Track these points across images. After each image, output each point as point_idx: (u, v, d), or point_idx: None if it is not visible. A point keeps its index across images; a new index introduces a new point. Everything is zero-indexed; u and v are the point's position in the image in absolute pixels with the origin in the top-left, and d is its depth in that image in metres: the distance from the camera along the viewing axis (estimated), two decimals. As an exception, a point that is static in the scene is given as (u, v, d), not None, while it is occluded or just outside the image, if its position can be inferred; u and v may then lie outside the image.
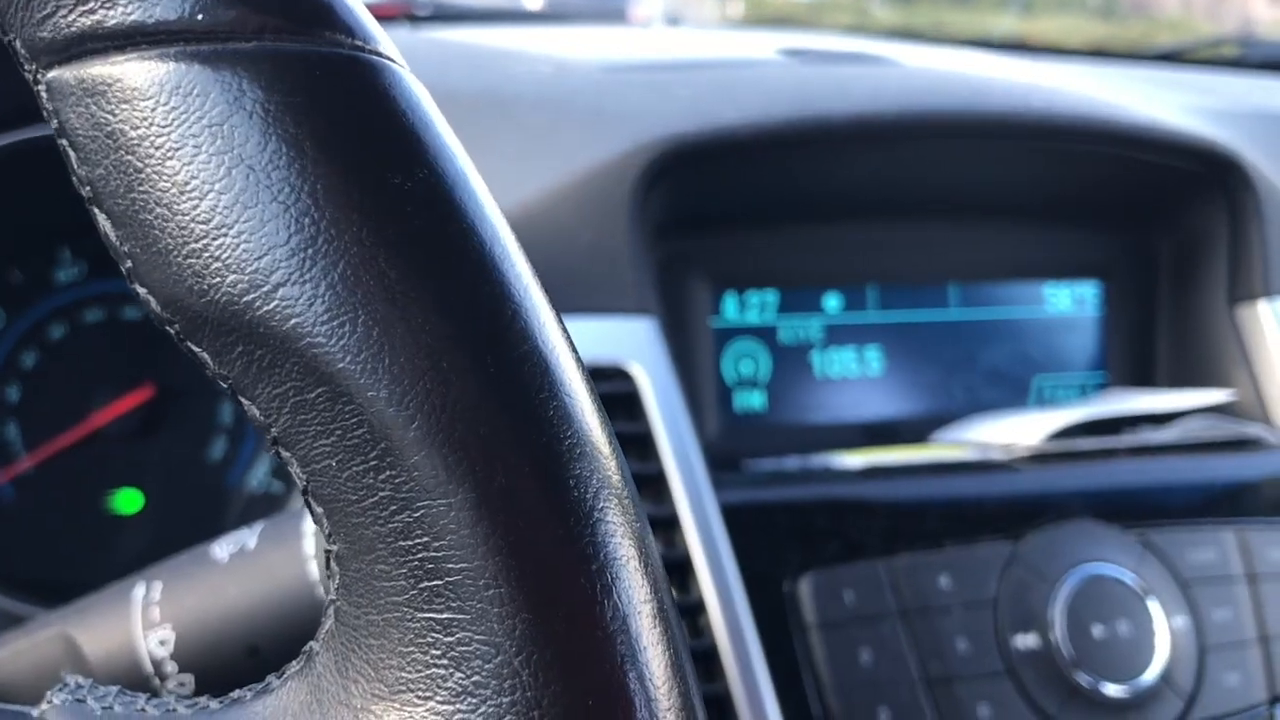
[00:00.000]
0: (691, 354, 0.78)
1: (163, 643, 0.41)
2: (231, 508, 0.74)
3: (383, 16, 1.30)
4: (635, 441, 0.67)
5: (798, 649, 0.61)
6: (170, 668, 0.41)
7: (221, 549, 0.42)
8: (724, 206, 0.77)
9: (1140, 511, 0.69)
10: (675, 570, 0.63)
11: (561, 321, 0.26)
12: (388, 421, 0.22)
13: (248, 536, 0.42)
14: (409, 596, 0.23)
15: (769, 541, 0.64)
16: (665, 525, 0.64)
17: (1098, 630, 0.64)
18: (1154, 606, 0.65)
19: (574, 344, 0.27)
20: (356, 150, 0.23)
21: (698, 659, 0.61)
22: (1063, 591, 0.64)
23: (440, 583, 0.23)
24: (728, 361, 0.79)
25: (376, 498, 0.23)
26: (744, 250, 0.79)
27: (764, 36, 1.08)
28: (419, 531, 0.23)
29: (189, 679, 0.41)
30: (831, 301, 0.81)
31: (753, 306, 0.80)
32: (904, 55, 0.92)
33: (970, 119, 0.73)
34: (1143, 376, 0.86)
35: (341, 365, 0.22)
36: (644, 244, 0.71)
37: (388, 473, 0.23)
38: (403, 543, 0.23)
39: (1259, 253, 0.81)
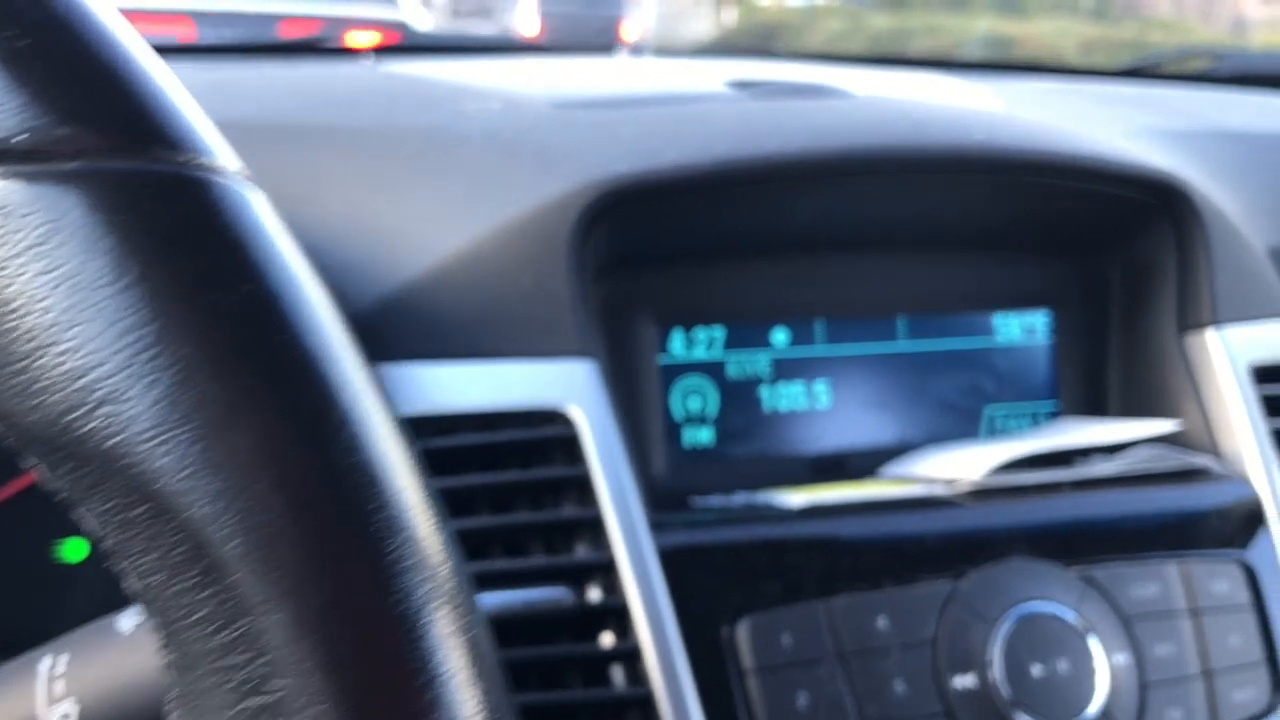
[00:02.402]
0: (639, 392, 0.78)
1: (65, 717, 0.41)
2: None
3: (353, 50, 1.30)
4: (574, 485, 0.67)
5: (735, 695, 0.61)
6: None
7: (127, 620, 0.42)
8: (668, 245, 0.77)
9: (1082, 547, 0.69)
10: (613, 616, 0.64)
11: (396, 424, 0.26)
12: (209, 539, 0.23)
13: None
14: (233, 714, 0.23)
15: (707, 585, 0.64)
16: (603, 571, 0.64)
17: (1037, 669, 0.64)
18: (1094, 644, 0.65)
19: (409, 446, 0.27)
20: (179, 268, 0.24)
21: (634, 708, 0.61)
22: (1002, 631, 0.64)
23: (264, 700, 0.23)
24: (675, 398, 0.79)
25: (200, 614, 0.23)
26: (690, 287, 0.79)
27: (717, 66, 1.08)
28: (242, 648, 0.23)
29: None
30: (779, 336, 0.81)
31: (700, 343, 0.80)
32: (857, 84, 0.93)
33: (911, 155, 0.73)
34: (1095, 405, 0.86)
35: (162, 484, 0.22)
36: (587, 285, 0.71)
37: (210, 590, 0.23)
38: (226, 660, 0.23)
39: (1206, 281, 0.81)
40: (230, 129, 0.85)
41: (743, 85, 0.89)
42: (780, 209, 0.77)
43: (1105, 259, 0.86)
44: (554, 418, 0.68)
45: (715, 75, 0.94)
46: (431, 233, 0.72)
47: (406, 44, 1.42)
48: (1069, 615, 0.66)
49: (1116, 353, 0.86)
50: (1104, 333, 0.87)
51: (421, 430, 0.68)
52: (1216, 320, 0.80)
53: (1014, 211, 0.82)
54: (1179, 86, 1.48)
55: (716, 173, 0.71)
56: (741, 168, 0.71)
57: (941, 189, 0.79)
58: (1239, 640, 0.70)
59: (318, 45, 1.37)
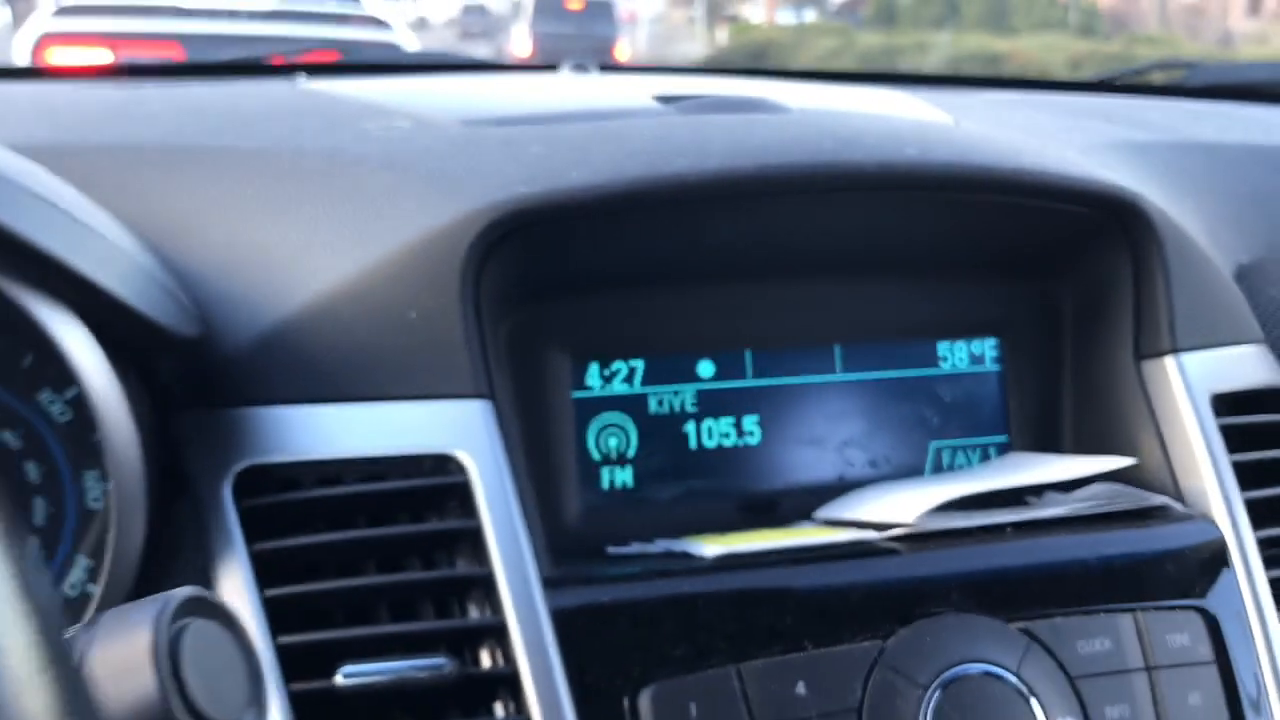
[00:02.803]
0: (550, 432, 0.72)
1: None
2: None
3: (288, 68, 1.25)
4: (469, 538, 0.61)
5: (635, 772, 0.55)
6: None
7: None
8: (579, 272, 0.71)
9: (1025, 599, 0.63)
10: (505, 685, 0.58)
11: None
12: None
13: None
14: None
15: (606, 649, 0.58)
16: (496, 634, 0.59)
17: (973, 739, 0.58)
18: (1036, 708, 0.59)
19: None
20: None
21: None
22: (934, 697, 0.58)
23: None
24: (591, 437, 0.73)
25: None
26: (605, 318, 0.73)
27: (649, 81, 1.02)
28: None
29: None
30: (704, 368, 0.75)
31: (618, 376, 0.74)
32: (797, 99, 0.87)
33: (834, 172, 0.68)
34: (1048, 438, 0.80)
35: None
36: (488, 316, 0.65)
37: None
38: None
39: (1164, 305, 0.75)
40: (122, 152, 0.80)
41: (670, 100, 0.84)
42: (700, 232, 0.71)
43: (1056, 282, 0.80)
44: (446, 463, 0.62)
45: (648, 90, 0.88)
46: (317, 262, 0.66)
47: (346, 63, 1.36)
48: (1009, 676, 0.60)
49: (1069, 382, 0.80)
50: (1056, 361, 0.81)
51: (302, 479, 0.62)
52: (1175, 346, 0.75)
53: (957, 232, 0.77)
54: (1152, 98, 1.44)
55: (625, 194, 0.65)
56: (652, 188, 0.66)
57: (876, 209, 0.73)
58: (1200, 699, 0.64)
59: (252, 65, 1.32)
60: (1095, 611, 0.64)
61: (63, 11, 4.67)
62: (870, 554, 0.64)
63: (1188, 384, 0.74)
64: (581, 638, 0.58)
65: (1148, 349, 0.76)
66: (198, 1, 4.55)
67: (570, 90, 0.96)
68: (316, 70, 1.24)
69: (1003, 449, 0.80)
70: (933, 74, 1.35)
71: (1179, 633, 0.64)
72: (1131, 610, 0.64)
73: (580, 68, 1.20)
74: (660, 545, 0.70)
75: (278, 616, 0.58)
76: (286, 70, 1.22)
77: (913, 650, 0.60)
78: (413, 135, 0.77)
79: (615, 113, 0.80)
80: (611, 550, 0.71)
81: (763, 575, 0.62)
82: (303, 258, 0.67)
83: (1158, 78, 1.54)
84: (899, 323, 0.79)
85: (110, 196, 0.71)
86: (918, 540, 0.65)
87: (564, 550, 0.68)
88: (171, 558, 0.62)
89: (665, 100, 0.84)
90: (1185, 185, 0.93)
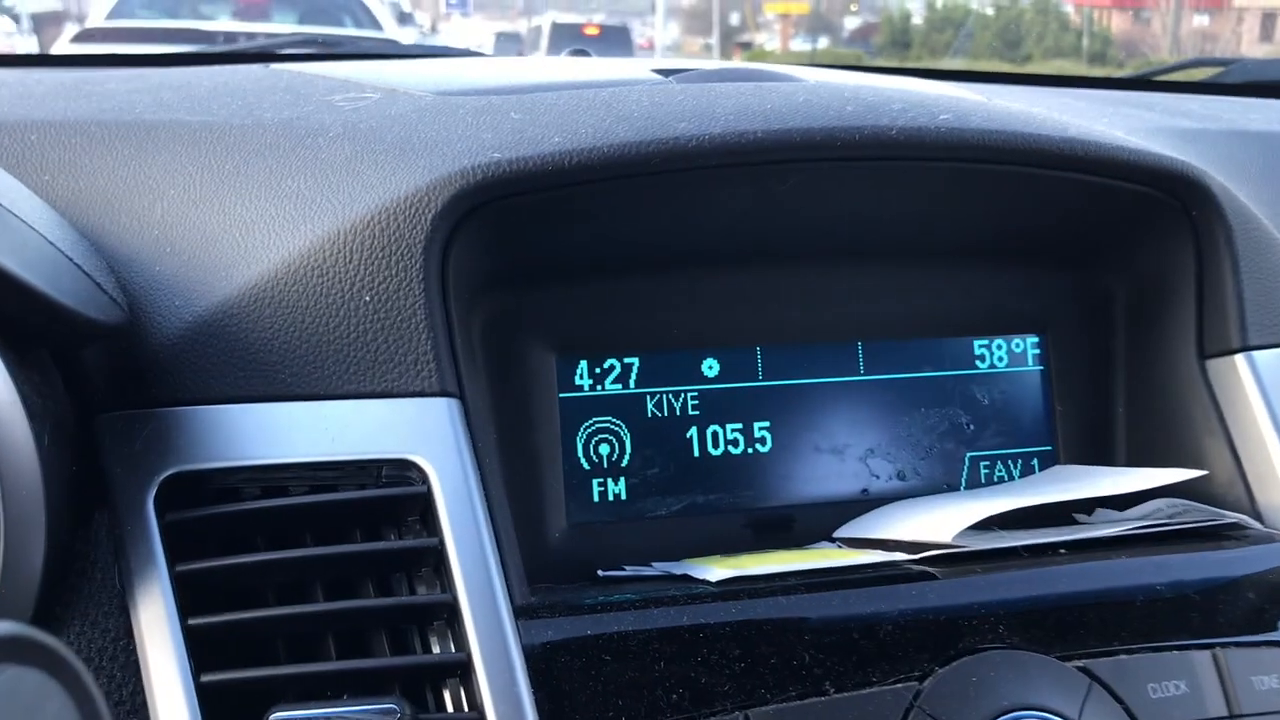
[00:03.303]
0: (533, 436, 0.63)
1: None
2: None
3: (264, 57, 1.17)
4: (428, 558, 0.52)
5: (621, 841, 0.46)
6: None
7: None
8: (564, 253, 0.63)
9: (1083, 633, 0.54)
10: (467, 733, 0.48)
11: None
12: None
13: None
14: None
15: (590, 693, 0.49)
16: (457, 673, 0.49)
17: (1027, 801, 0.48)
18: (1102, 764, 0.50)
19: None
20: None
21: None
22: (980, 749, 0.49)
23: None
24: (580, 443, 0.64)
25: None
26: (595, 307, 0.64)
27: (651, 60, 0.94)
28: None
29: None
30: (708, 366, 0.66)
31: (610, 375, 0.65)
32: (812, 75, 0.78)
33: (860, 138, 0.59)
34: (1098, 448, 0.71)
35: None
36: (457, 302, 0.56)
37: None
38: None
39: (1233, 296, 0.66)
40: (60, 128, 0.72)
41: (670, 71, 0.75)
42: (703, 209, 0.62)
43: (1106, 271, 0.71)
44: (405, 471, 0.53)
45: (646, 65, 0.80)
46: (260, 240, 0.57)
47: (333, 52, 1.28)
48: (1068, 725, 0.50)
49: (1122, 385, 0.71)
50: (1107, 360, 0.71)
51: (237, 488, 0.53)
52: (1246, 343, 0.65)
53: (995, 214, 0.67)
54: (1189, 95, 1.36)
55: (616, 161, 0.57)
56: (647, 155, 0.57)
57: (904, 185, 0.64)
58: (1292, 750, 0.54)
59: (233, 55, 1.24)
60: (1166, 648, 0.54)
61: (82, 37, 4.67)
62: (902, 579, 0.54)
63: (1261, 385, 0.65)
64: (560, 678, 0.49)
65: (1214, 346, 0.66)
66: (217, 26, 4.55)
67: (560, 66, 0.88)
68: (302, 58, 1.16)
69: (1047, 459, 0.71)
70: (951, 69, 1.27)
71: (1267, 674, 0.55)
72: (1209, 646, 0.55)
73: (580, 52, 1.11)
74: (657, 568, 0.61)
75: (202, 650, 0.49)
76: (269, 59, 1.14)
77: (954, 694, 0.50)
78: (381, 105, 0.68)
79: (607, 83, 0.72)
80: (601, 573, 0.62)
81: (776, 604, 0.52)
82: (245, 236, 0.58)
83: (1194, 75, 1.46)
84: (930, 317, 0.70)
85: (40, 173, 0.63)
86: (956, 563, 0.56)
87: (546, 573, 0.59)
88: (84, 579, 0.53)
89: (665, 72, 0.75)
90: (1239, 173, 0.84)
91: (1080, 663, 0.53)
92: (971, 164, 0.62)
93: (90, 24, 4.78)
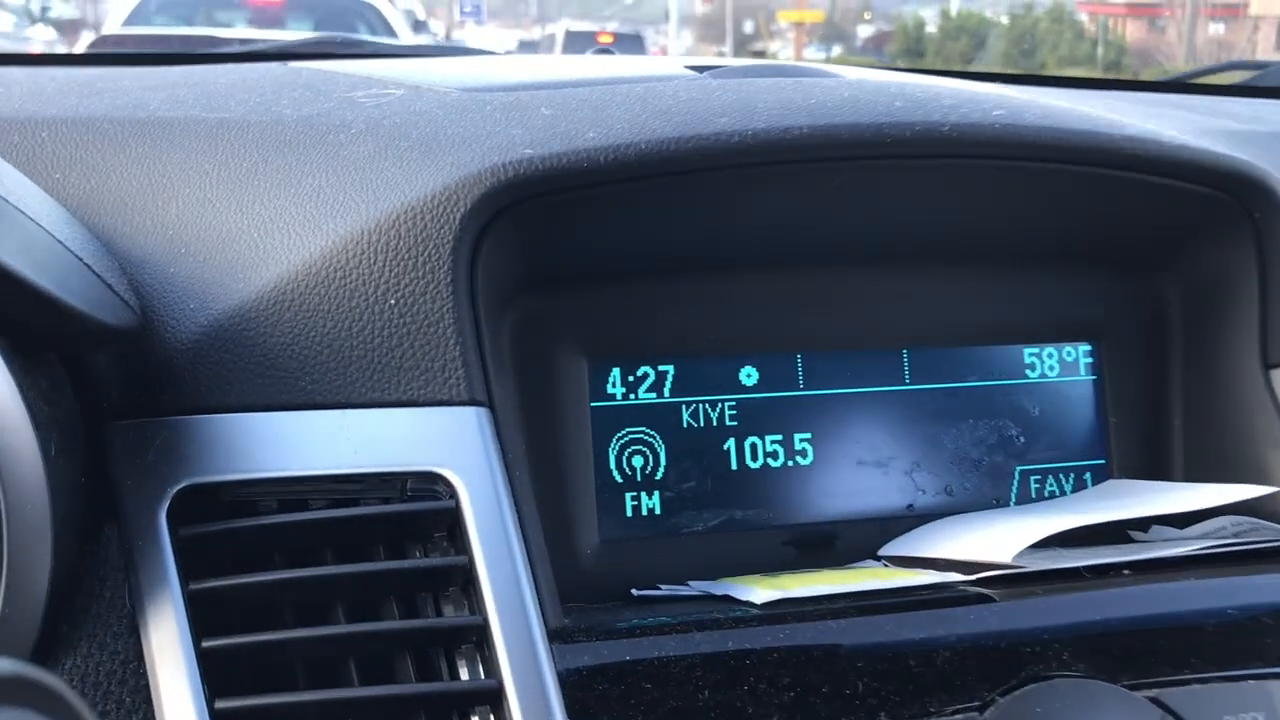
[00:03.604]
0: (563, 447, 0.60)
1: None
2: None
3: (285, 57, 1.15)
4: (456, 577, 0.49)
5: None
6: None
7: None
8: (597, 255, 0.60)
9: (1153, 660, 0.51)
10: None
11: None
12: None
13: None
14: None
15: (628, 721, 0.46)
16: (487, 700, 0.46)
17: (1098, 842, 0.45)
18: (1177, 802, 0.47)
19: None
20: None
21: None
22: (1047, 785, 0.46)
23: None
24: (613, 454, 0.61)
25: None
26: (629, 312, 0.61)
27: (685, 59, 0.91)
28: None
29: None
30: (746, 374, 0.63)
31: (644, 383, 0.62)
32: (849, 73, 0.75)
33: (906, 134, 0.56)
34: (1152, 463, 0.68)
35: None
36: (486, 306, 0.53)
37: None
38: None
39: None
40: (72, 126, 0.69)
41: (703, 68, 0.72)
42: (743, 209, 0.59)
43: (1163, 276, 0.68)
44: (432, 484, 0.50)
45: (677, 63, 0.77)
46: (280, 241, 0.55)
47: (355, 51, 1.26)
48: (1140, 760, 0.47)
49: (1179, 395, 0.68)
50: (1163, 370, 0.68)
51: (255, 502, 0.50)
52: (1313, 351, 0.62)
53: (1047, 216, 0.64)
54: (1226, 98, 1.32)
55: (653, 157, 0.54)
56: (686, 151, 0.54)
57: (954, 185, 0.61)
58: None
59: (251, 55, 1.21)
60: (1241, 677, 0.51)
61: (98, 44, 4.70)
62: (958, 602, 0.51)
63: (1331, 396, 0.61)
64: (597, 707, 0.46)
65: (1278, 354, 0.63)
66: (232, 33, 4.56)
67: (588, 63, 0.85)
68: (321, 57, 1.14)
69: (1100, 474, 0.68)
70: (977, 70, 1.24)
71: (1347, 703, 0.51)
72: (1285, 674, 0.51)
73: (605, 51, 1.08)
74: (695, 587, 0.58)
75: (216, 674, 0.46)
76: (287, 58, 1.11)
77: (1017, 725, 0.47)
78: (405, 101, 0.66)
79: (639, 79, 0.69)
80: (636, 593, 0.58)
81: (826, 629, 0.49)
82: (263, 237, 0.55)
83: (1229, 78, 1.43)
84: (978, 324, 0.66)
85: (50, 172, 0.61)
86: (1014, 584, 0.53)
87: (577, 593, 0.56)
88: (92, 598, 0.50)
89: (698, 69, 0.73)
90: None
91: (1151, 692, 0.49)
92: (1026, 162, 0.59)
93: (106, 31, 4.81)
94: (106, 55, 1.29)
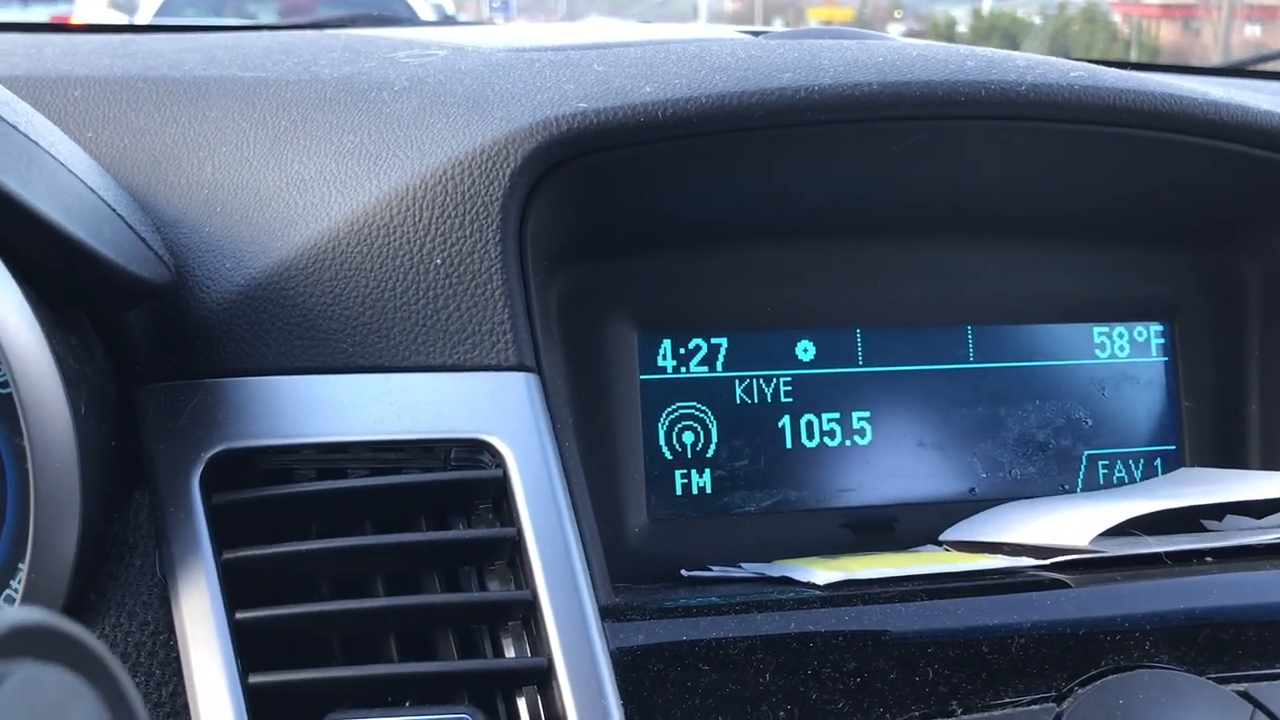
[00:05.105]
0: (611, 421, 0.58)
1: None
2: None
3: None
4: (503, 550, 0.46)
5: None
6: None
7: None
8: (651, 218, 0.57)
9: (1242, 651, 0.48)
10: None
11: None
12: None
13: None
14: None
15: (683, 704, 0.43)
16: (536, 679, 0.44)
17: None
18: (1270, 802, 0.44)
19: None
20: None
21: None
22: (1131, 782, 0.43)
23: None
24: (663, 430, 0.59)
25: None
26: (681, 280, 0.59)
27: (736, 27, 0.88)
28: None
29: None
30: (803, 349, 0.60)
31: (695, 356, 0.59)
32: (916, 41, 0.72)
33: (980, 93, 0.53)
34: (1226, 451, 0.65)
35: None
36: (535, 268, 0.51)
37: None
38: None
39: None
40: (106, 84, 0.67)
41: (759, 33, 0.69)
42: (807, 172, 0.56)
43: (1241, 254, 0.65)
44: (477, 452, 0.48)
45: (729, 29, 0.74)
46: (319, 198, 0.52)
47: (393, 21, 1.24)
48: (1230, 757, 0.44)
49: (1256, 380, 0.65)
50: (1239, 351, 0.65)
51: (292, 469, 0.48)
52: (1401, 333, 0.59)
53: (1121, 187, 0.61)
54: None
55: (714, 113, 0.51)
56: (750, 105, 0.51)
57: (1025, 152, 0.58)
58: None
59: (278, 26, 1.19)
60: (1335, 671, 0.48)
61: None
62: (1033, 587, 0.48)
63: None
64: (652, 688, 0.43)
65: (1364, 338, 0.60)
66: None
67: (639, 27, 0.82)
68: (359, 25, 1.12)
69: (1171, 460, 0.65)
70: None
71: None
72: (1381, 670, 0.48)
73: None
74: (749, 569, 0.55)
75: (250, 647, 0.44)
76: (324, 27, 1.10)
77: (1098, 717, 0.44)
78: (449, 60, 0.63)
79: (693, 40, 0.66)
80: (685, 573, 0.56)
81: (894, 612, 0.46)
82: (302, 194, 0.53)
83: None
84: (1046, 300, 0.64)
85: (83, 130, 0.59)
86: (1092, 570, 0.50)
87: (624, 574, 0.53)
88: (121, 566, 0.48)
89: (754, 33, 0.70)
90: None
91: (1239, 686, 0.46)
92: (1103, 127, 0.56)
93: (138, 22, 4.85)
94: (140, 26, 1.27)
